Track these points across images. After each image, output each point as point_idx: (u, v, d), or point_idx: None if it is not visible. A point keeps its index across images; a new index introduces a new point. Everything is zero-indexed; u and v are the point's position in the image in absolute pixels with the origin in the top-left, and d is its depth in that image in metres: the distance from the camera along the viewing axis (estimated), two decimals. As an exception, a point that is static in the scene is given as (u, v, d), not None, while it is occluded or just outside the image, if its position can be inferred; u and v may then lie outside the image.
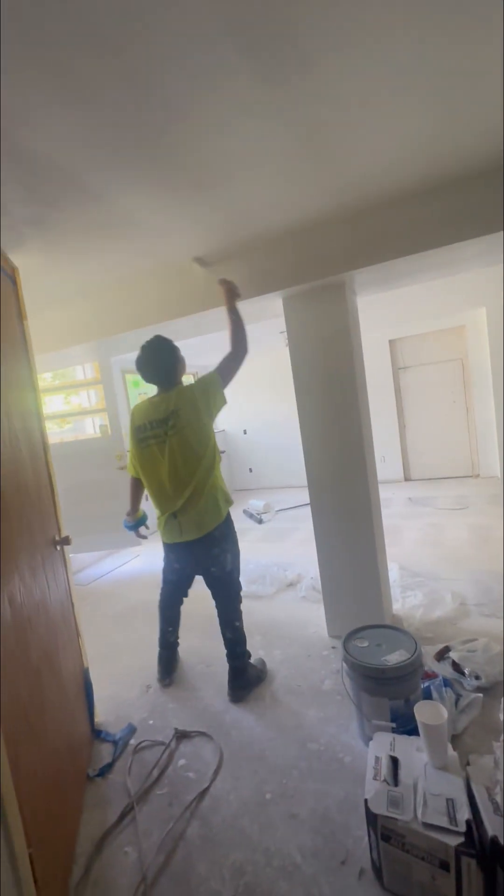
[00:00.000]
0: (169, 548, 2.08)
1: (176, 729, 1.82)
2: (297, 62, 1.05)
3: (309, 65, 1.07)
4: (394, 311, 4.85)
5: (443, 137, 1.48)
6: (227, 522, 2.00)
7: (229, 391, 2.00)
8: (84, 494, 4.11)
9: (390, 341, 5.65)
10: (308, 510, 2.46)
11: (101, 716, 1.98)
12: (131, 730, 1.87)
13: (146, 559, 4.18)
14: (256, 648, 2.36)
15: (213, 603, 2.08)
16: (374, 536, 2.28)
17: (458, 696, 1.71)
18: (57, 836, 1.30)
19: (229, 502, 2.01)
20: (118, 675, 2.30)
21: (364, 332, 2.63)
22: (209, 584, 2.04)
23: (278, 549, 3.99)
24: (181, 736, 1.80)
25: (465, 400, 5.45)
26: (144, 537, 2.27)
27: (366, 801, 1.16)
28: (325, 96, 1.19)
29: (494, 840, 1.02)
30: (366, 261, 1.97)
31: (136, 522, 2.24)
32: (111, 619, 2.98)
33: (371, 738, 1.45)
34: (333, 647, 2.28)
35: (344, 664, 1.68)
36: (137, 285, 2.48)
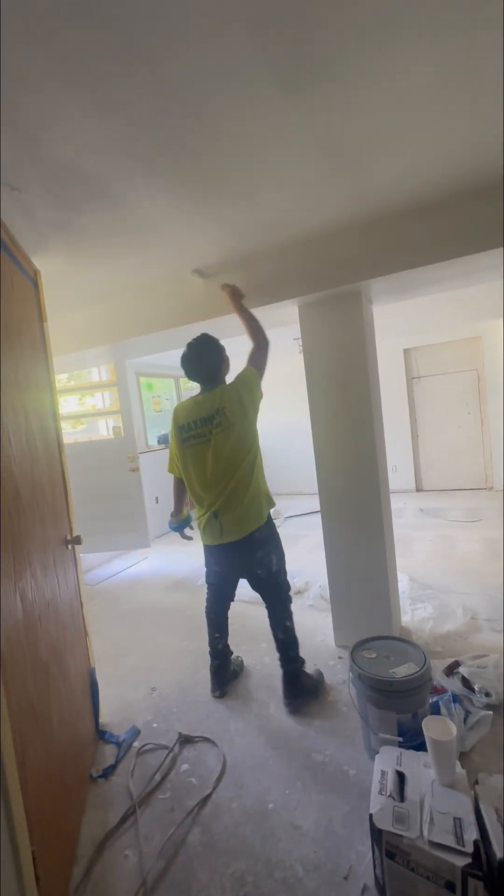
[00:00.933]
0: (209, 550, 2.03)
1: (180, 733, 1.82)
2: (322, 74, 1.07)
3: (332, 77, 1.08)
4: (409, 321, 4.83)
5: (459, 151, 1.48)
6: (269, 524, 1.95)
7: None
8: (95, 495, 4.15)
9: (405, 350, 5.62)
10: (318, 518, 2.45)
11: (105, 716, 1.99)
12: (135, 732, 1.87)
13: (155, 561, 4.20)
14: (262, 655, 2.35)
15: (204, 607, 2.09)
16: (385, 546, 2.26)
17: (468, 713, 1.67)
18: (59, 835, 1.30)
19: (271, 503, 1.97)
20: (124, 675, 2.30)
21: (379, 341, 2.63)
22: (256, 588, 1.99)
23: (287, 556, 3.96)
24: (185, 741, 1.79)
25: (479, 411, 5.39)
26: (190, 538, 2.19)
27: (371, 815, 1.14)
28: (347, 108, 1.20)
29: (503, 863, 0.99)
30: (382, 270, 1.97)
31: (181, 523, 2.17)
32: (119, 619, 2.99)
33: (377, 752, 1.43)
34: (340, 658, 2.26)
35: (350, 675, 1.66)
36: (153, 290, 2.52)
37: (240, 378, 1.93)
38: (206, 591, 2.15)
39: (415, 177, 1.62)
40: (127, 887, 1.26)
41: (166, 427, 5.99)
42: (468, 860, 1.01)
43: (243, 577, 2.01)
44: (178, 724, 1.89)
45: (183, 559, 4.11)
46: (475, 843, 1.03)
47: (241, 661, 2.28)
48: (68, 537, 1.81)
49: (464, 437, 5.49)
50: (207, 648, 2.15)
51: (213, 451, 1.85)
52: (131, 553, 4.47)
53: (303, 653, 2.04)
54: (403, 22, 0.95)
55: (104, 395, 5.05)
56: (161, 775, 1.63)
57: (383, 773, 1.25)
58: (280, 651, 1.98)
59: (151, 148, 1.28)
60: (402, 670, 1.56)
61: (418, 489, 5.68)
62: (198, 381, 2.00)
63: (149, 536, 4.28)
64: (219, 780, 1.59)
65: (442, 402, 5.58)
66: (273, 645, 2.03)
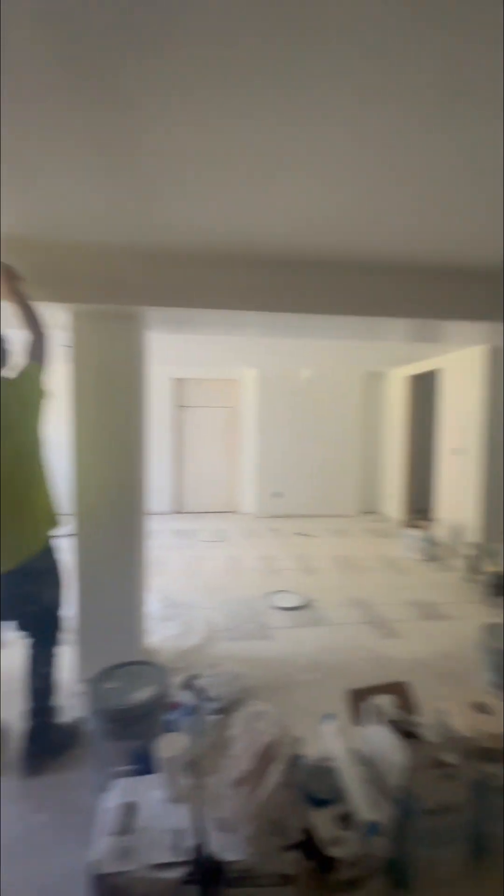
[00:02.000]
0: None
1: None
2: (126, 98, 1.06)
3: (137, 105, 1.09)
4: (180, 352, 5.17)
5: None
6: (50, 551, 1.70)
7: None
8: None
9: (174, 379, 5.96)
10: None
11: None
12: None
13: None
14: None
15: None
16: (139, 570, 2.27)
17: (203, 723, 1.80)
18: None
19: (54, 525, 1.71)
20: None
21: (151, 367, 2.70)
22: (23, 626, 1.72)
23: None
24: None
25: (232, 443, 6.19)
26: None
27: (88, 864, 1.07)
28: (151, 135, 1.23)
29: (210, 858, 1.08)
30: (161, 301, 2.06)
31: None
32: None
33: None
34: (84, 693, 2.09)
35: (88, 711, 1.55)
36: None
37: (22, 374, 1.68)
38: None
39: (198, 228, 1.79)
40: None
41: None
42: (186, 869, 1.06)
43: (5, 616, 1.70)
44: None
45: None
46: (196, 848, 1.09)
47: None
48: None
49: (219, 464, 6.17)
50: None
51: None
52: None
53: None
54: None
55: None
56: None
57: (108, 810, 1.19)
58: (34, 701, 1.71)
59: None
60: (140, 695, 1.55)
61: (176, 511, 6.00)
62: None
63: None
64: None
65: (203, 432, 6.15)
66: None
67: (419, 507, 5.22)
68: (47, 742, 1.70)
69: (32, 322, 1.78)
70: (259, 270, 2.09)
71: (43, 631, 1.76)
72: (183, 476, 6.09)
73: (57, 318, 2.17)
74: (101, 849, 1.09)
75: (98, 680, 1.63)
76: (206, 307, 2.09)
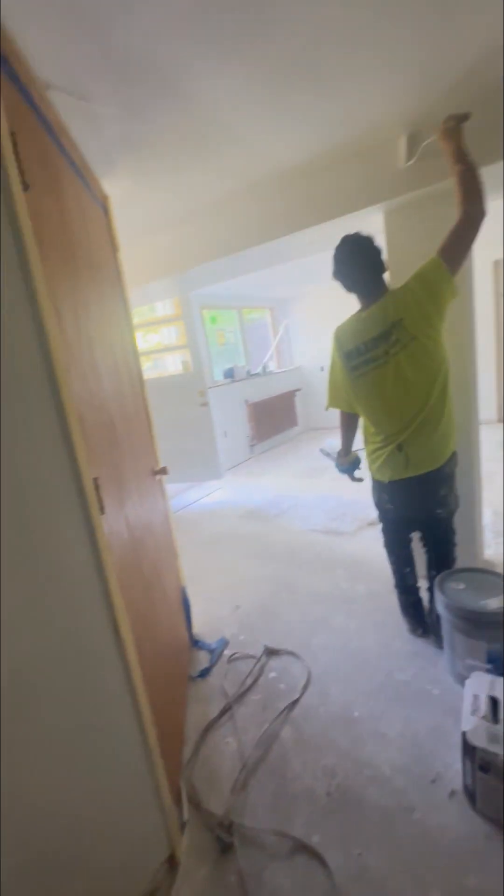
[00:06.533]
0: (384, 488, 1.75)
1: (265, 646, 1.97)
2: None
3: None
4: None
5: None
6: (455, 457, 1.68)
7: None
8: (167, 430, 4.32)
9: (495, 262, 4.93)
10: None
11: (196, 628, 2.20)
12: (225, 642, 2.05)
13: (227, 492, 4.37)
14: (339, 581, 2.42)
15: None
16: (473, 476, 2.14)
17: None
18: (170, 719, 1.49)
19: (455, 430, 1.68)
20: (209, 594, 2.50)
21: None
22: (426, 528, 1.80)
23: (359, 488, 3.94)
24: (271, 652, 1.94)
25: None
26: (360, 480, 1.95)
27: (464, 733, 1.18)
28: None
29: None
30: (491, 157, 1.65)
31: (351, 465, 1.93)
32: (198, 545, 3.21)
33: (462, 676, 1.46)
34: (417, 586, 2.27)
35: (437, 603, 1.65)
36: (226, 208, 2.34)
37: (418, 276, 1.51)
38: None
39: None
40: (229, 767, 1.45)
41: (232, 360, 5.95)
42: None
43: (417, 515, 1.78)
44: (263, 638, 2.05)
45: (255, 491, 4.24)
46: None
47: None
48: (155, 468, 1.90)
49: None
50: (305, 574, 2.17)
51: (395, 375, 1.55)
52: (204, 484, 4.68)
53: (379, 581, 2.05)
54: None
55: (169, 331, 5.05)
56: (251, 680, 1.80)
57: (476, 696, 1.26)
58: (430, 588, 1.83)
59: (227, 28, 1.10)
60: (493, 603, 1.52)
61: (500, 420, 5.26)
62: (358, 292, 1.64)
63: (220, 468, 4.45)
64: (305, 688, 1.72)
65: (536, 322, 4.94)
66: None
67: None
68: (432, 620, 1.82)
69: (473, 194, 1.43)
70: None
71: (447, 535, 1.80)
72: (508, 379, 5.19)
73: (366, 227, 2.11)
74: (472, 724, 1.18)
75: (445, 578, 1.69)
76: None
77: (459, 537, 2.20)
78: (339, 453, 1.98)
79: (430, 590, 1.83)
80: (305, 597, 2.31)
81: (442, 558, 1.82)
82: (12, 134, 0.85)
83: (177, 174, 1.90)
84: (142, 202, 2.13)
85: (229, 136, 1.62)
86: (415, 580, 1.96)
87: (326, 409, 1.93)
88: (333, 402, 1.86)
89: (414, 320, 1.51)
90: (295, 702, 1.66)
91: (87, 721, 0.95)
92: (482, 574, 1.71)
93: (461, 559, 2.10)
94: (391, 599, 2.18)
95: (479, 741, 1.14)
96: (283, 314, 6.71)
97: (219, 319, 5.96)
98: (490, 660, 1.49)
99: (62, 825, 0.90)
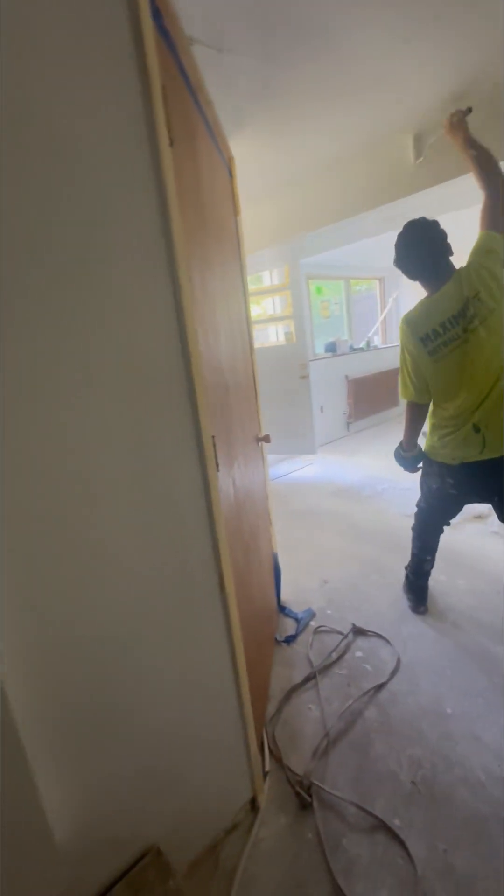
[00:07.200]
0: (452, 471, 1.70)
1: (353, 624, 1.94)
2: None
3: None
4: None
5: None
6: None
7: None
8: (267, 400, 4.35)
9: None
10: None
11: (284, 596, 2.24)
12: (312, 613, 2.07)
13: (320, 468, 4.32)
14: (437, 573, 2.27)
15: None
16: None
17: None
18: (257, 675, 1.55)
19: None
20: (298, 565, 2.52)
21: None
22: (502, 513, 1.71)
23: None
24: (358, 631, 1.91)
25: None
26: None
27: None
28: None
29: None
30: None
31: (415, 459, 1.89)
32: (289, 516, 3.23)
33: None
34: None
35: None
36: (350, 167, 2.20)
37: (480, 250, 1.53)
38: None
39: None
40: (311, 732, 1.47)
41: (334, 334, 5.75)
42: None
43: (489, 502, 1.71)
44: (351, 617, 2.02)
45: (348, 469, 4.13)
46: None
47: None
48: (259, 435, 1.92)
49: None
50: (397, 559, 2.12)
51: (476, 351, 1.53)
52: (297, 458, 4.68)
53: (483, 578, 1.91)
54: None
55: (273, 301, 5.01)
56: (337, 655, 1.79)
57: None
58: None
59: None
60: None
61: None
62: (424, 279, 1.63)
63: (315, 443, 4.39)
64: (393, 673, 1.67)
65: None
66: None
67: None
68: None
69: (490, 176, 1.58)
70: None
71: None
72: None
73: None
74: None
75: None
76: None
77: None
78: (402, 446, 1.90)
79: None
80: (397, 583, 2.22)
81: None
82: (163, 88, 0.86)
83: (304, 131, 1.82)
84: (264, 162, 2.08)
85: (368, 82, 1.49)
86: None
87: (405, 398, 1.80)
88: (406, 392, 1.77)
89: (490, 291, 1.50)
90: (382, 685, 1.62)
91: (189, 660, 1.02)
92: None
93: None
94: (495, 601, 2.00)
95: None
96: (393, 286, 6.26)
97: (324, 290, 5.75)
98: None
99: (168, 744, 0.99)
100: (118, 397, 0.81)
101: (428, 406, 1.77)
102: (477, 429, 1.59)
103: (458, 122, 1.65)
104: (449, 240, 1.58)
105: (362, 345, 5.79)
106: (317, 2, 1.12)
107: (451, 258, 1.60)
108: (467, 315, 1.53)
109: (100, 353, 0.78)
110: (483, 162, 1.62)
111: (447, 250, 1.59)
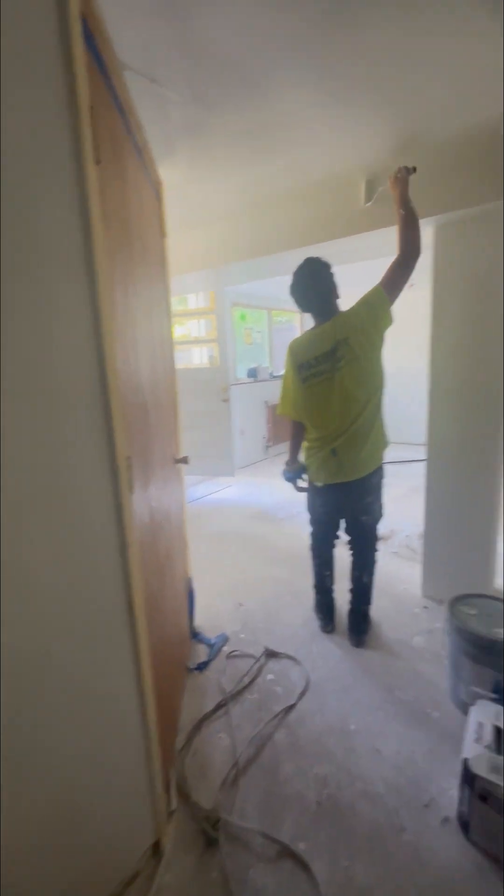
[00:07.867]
0: (318, 491, 1.95)
1: (266, 647, 1.96)
2: None
3: None
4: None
5: None
6: (382, 469, 1.87)
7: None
8: (186, 421, 4.33)
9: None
10: (407, 468, 2.32)
11: (197, 620, 2.19)
12: (225, 638, 2.05)
13: (238, 490, 4.37)
14: (343, 592, 2.39)
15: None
16: (493, 503, 2.10)
17: None
18: (166, 705, 1.49)
19: (387, 444, 1.86)
20: (213, 589, 2.49)
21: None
22: (351, 532, 1.97)
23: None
24: (270, 654, 1.93)
25: None
26: (304, 489, 2.05)
27: (465, 760, 1.15)
28: None
29: None
30: None
31: (297, 471, 2.04)
32: (206, 538, 3.21)
33: (468, 703, 1.43)
34: (425, 607, 2.24)
35: (446, 626, 1.63)
36: (275, 207, 2.34)
37: (364, 302, 1.70)
38: (305, 526, 2.18)
39: None
40: (221, 761, 1.44)
41: (256, 360, 5.95)
42: None
43: (344, 518, 1.97)
44: (264, 639, 2.03)
45: (266, 492, 4.23)
46: None
47: None
48: (177, 456, 1.90)
49: None
50: (310, 581, 2.23)
51: (338, 388, 1.73)
52: (215, 480, 4.69)
53: (384, 599, 2.05)
54: None
55: (200, 324, 5.07)
56: (249, 679, 1.79)
57: (480, 725, 1.24)
58: (360, 593, 2.03)
59: (307, 38, 1.10)
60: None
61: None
62: (311, 311, 1.83)
63: (234, 466, 4.44)
64: (303, 694, 1.70)
65: None
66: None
67: None
68: (368, 623, 2.05)
69: (410, 239, 1.66)
70: None
71: (369, 538, 1.96)
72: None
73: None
74: (474, 752, 1.15)
75: (456, 602, 1.67)
76: None
77: (474, 563, 2.17)
78: (286, 462, 2.09)
79: (353, 591, 2.04)
80: (310, 603, 2.30)
81: (362, 559, 1.99)
82: (91, 108, 0.86)
83: (231, 169, 1.91)
84: (193, 193, 2.14)
85: (294, 134, 1.62)
86: (332, 583, 2.17)
87: (279, 413, 2.06)
88: (283, 408, 2.01)
89: (358, 340, 1.68)
90: (291, 706, 1.64)
91: (93, 687, 0.95)
92: (495, 601, 1.68)
93: (471, 584, 2.07)
94: (396, 619, 2.16)
95: (481, 770, 1.12)
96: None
97: (248, 318, 5.97)
98: (496, 689, 1.46)
99: (61, 785, 0.90)
100: (29, 416, 0.77)
101: (303, 424, 1.96)
102: (335, 453, 1.79)
103: (402, 178, 1.72)
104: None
105: (282, 373, 6.06)
106: (251, 61, 1.21)
107: (338, 301, 1.79)
108: (336, 355, 1.71)
109: (9, 370, 0.72)
110: (410, 224, 1.67)
111: (334, 292, 1.77)
